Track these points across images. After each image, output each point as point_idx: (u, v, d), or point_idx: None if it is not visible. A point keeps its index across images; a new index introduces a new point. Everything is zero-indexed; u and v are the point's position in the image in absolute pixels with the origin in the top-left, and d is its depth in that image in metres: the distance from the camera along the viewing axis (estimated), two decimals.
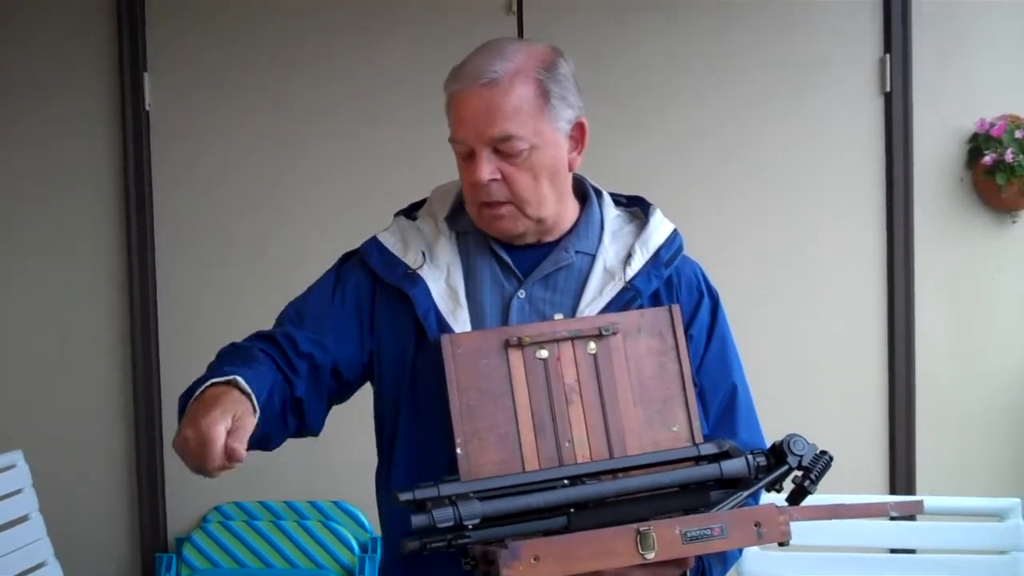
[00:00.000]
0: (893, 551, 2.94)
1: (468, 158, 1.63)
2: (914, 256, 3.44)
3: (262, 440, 1.63)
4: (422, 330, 1.66)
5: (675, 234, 1.75)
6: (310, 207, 3.55)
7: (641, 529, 1.41)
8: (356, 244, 1.87)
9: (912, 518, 2.87)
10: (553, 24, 3.39)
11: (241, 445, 1.43)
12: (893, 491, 3.44)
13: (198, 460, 1.43)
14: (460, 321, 1.66)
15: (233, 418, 1.45)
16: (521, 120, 1.61)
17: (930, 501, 2.69)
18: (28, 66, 3.56)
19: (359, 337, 1.73)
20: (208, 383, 1.53)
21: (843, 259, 3.49)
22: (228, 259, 3.57)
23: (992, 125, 3.35)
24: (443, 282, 1.70)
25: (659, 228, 1.75)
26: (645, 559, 1.41)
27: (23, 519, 3.03)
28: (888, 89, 3.42)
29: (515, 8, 3.45)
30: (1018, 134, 3.30)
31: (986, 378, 3.48)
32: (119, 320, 3.55)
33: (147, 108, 3.53)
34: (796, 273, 3.49)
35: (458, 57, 1.68)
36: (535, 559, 1.38)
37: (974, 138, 3.41)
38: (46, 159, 3.57)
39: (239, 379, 1.53)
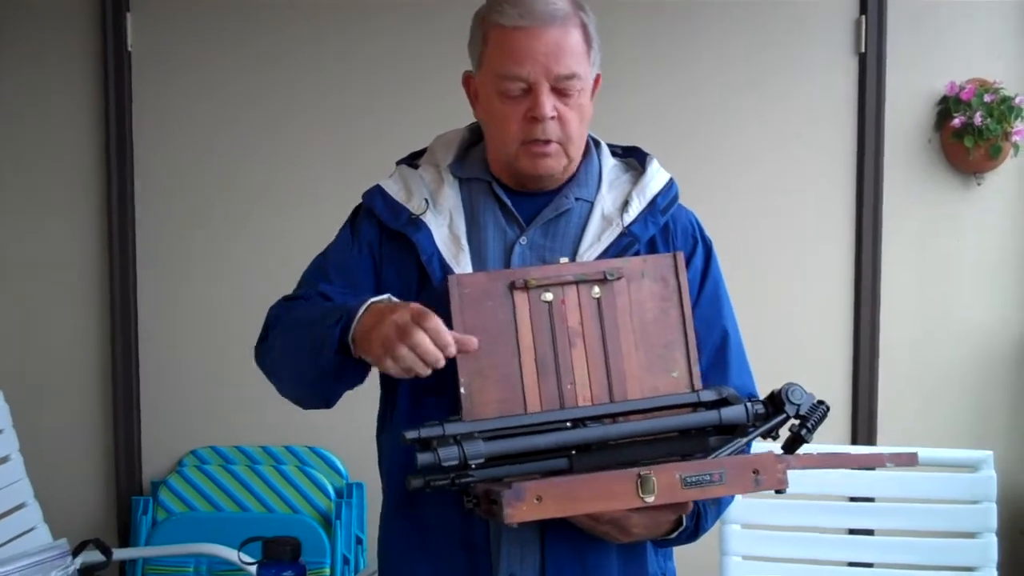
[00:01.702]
0: (854, 499, 3.03)
1: (520, 95, 1.65)
2: (882, 215, 3.50)
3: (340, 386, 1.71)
4: (425, 274, 1.70)
5: (671, 183, 1.80)
6: (298, 153, 3.54)
7: (642, 473, 1.45)
8: (347, 192, 1.90)
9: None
10: None
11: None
12: (855, 442, 3.53)
13: (408, 333, 1.48)
14: (463, 265, 1.69)
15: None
16: (580, 60, 1.66)
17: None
18: (6, 5, 3.51)
19: (375, 284, 1.76)
20: (373, 299, 1.59)
21: (812, 217, 3.55)
22: (212, 204, 3.56)
23: (962, 88, 3.41)
24: (446, 228, 1.73)
25: (656, 177, 1.80)
26: (645, 502, 1.45)
27: (3, 459, 3.04)
28: (863, 50, 3.47)
29: None
30: (987, 98, 3.37)
31: (950, 336, 3.56)
32: (98, 262, 3.55)
33: (129, 49, 3.50)
34: (767, 230, 3.54)
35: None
36: (537, 499, 1.42)
37: (944, 100, 3.47)
38: (25, 100, 3.53)
39: (391, 296, 1.61)
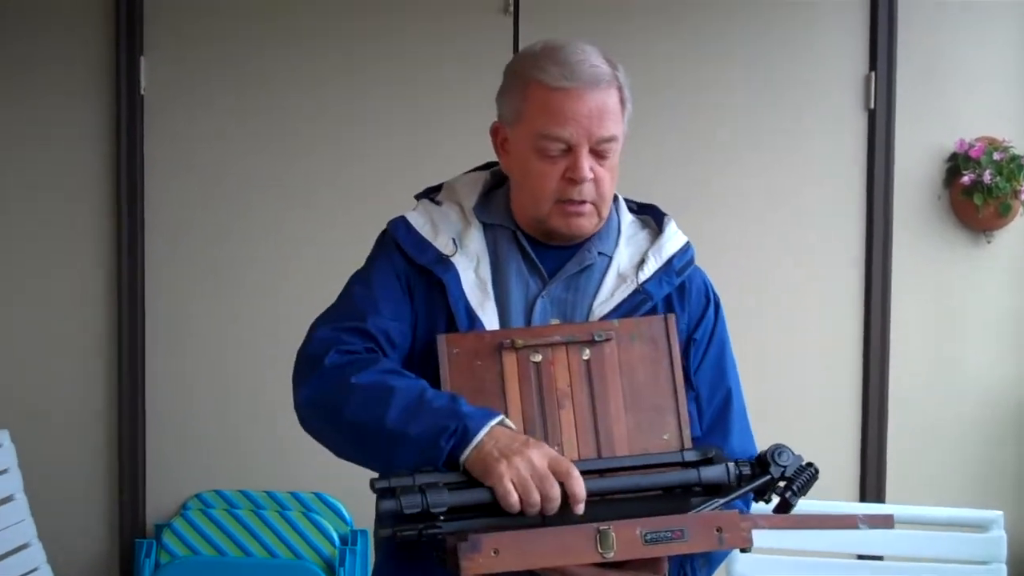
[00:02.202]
0: (861, 557, 3.01)
1: (559, 155, 1.66)
2: (891, 272, 3.50)
3: None
4: (451, 316, 1.68)
5: (688, 245, 1.80)
6: (308, 195, 3.56)
7: (601, 528, 1.44)
8: (356, 234, 1.88)
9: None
10: (548, 28, 3.43)
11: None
12: (863, 500, 3.51)
13: (547, 486, 1.46)
14: (488, 313, 1.68)
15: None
16: (617, 122, 1.68)
17: (917, 511, 2.78)
18: (22, 48, 3.54)
19: (412, 322, 1.72)
20: (494, 422, 1.53)
21: (822, 272, 3.55)
22: (221, 247, 3.58)
23: (971, 146, 3.42)
24: (473, 272, 1.72)
25: (673, 238, 1.80)
26: (604, 558, 1.44)
27: (8, 499, 3.05)
28: (872, 106, 3.48)
29: (511, 9, 3.49)
30: (996, 156, 3.38)
31: (959, 394, 3.55)
32: (106, 306, 3.56)
33: (142, 92, 3.53)
34: (776, 285, 3.54)
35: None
36: (495, 552, 1.41)
37: (953, 157, 3.48)
38: (38, 142, 3.56)
39: (505, 419, 1.56)
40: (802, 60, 3.53)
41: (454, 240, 1.74)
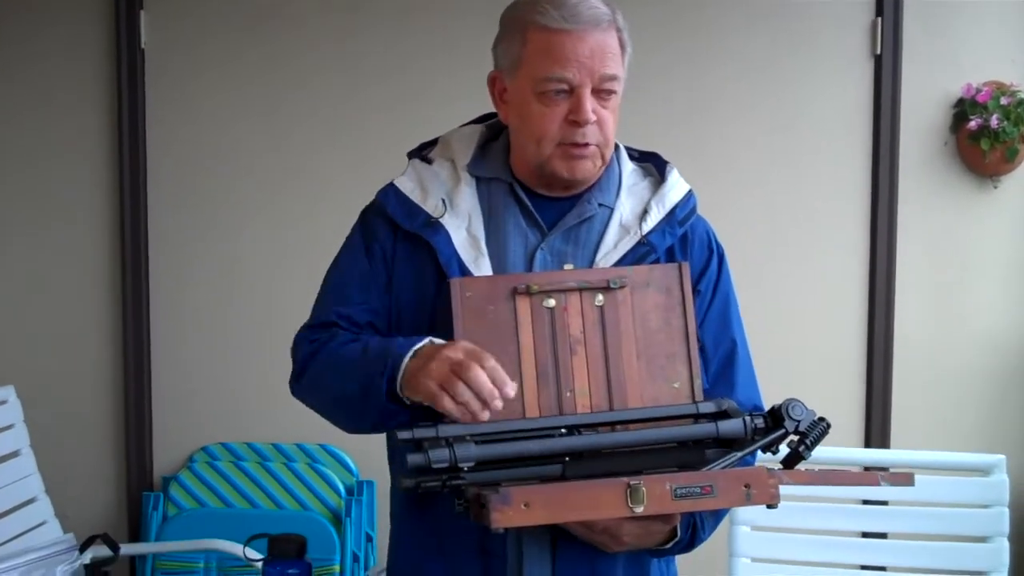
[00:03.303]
0: (866, 502, 3.02)
1: (561, 97, 1.65)
2: (897, 218, 3.48)
3: None
4: (443, 276, 1.67)
5: (690, 194, 1.79)
6: (311, 151, 3.55)
7: (631, 483, 1.44)
8: (361, 190, 1.88)
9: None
10: None
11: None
12: (868, 446, 3.52)
13: (466, 369, 1.48)
14: (482, 269, 1.68)
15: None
16: (618, 62, 1.68)
17: (920, 455, 2.80)
18: (17, 4, 3.52)
19: (389, 299, 1.75)
20: (418, 345, 1.58)
21: (828, 219, 3.53)
22: (224, 203, 3.56)
23: (978, 91, 3.38)
24: (464, 230, 1.71)
25: (676, 187, 1.79)
26: (634, 512, 1.44)
27: (14, 454, 3.06)
28: (878, 52, 3.45)
29: None
30: (1004, 100, 3.35)
31: (964, 340, 3.54)
32: (110, 259, 3.56)
33: (142, 47, 3.50)
34: (782, 233, 3.53)
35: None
36: (525, 505, 1.41)
37: (960, 103, 3.45)
38: (38, 99, 3.55)
39: (433, 338, 1.60)
40: (807, 6, 3.49)
41: (444, 200, 1.73)
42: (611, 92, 1.67)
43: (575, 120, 1.65)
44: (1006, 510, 2.62)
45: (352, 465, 3.54)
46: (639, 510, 1.44)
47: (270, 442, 3.55)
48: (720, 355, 1.75)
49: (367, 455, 3.42)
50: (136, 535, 3.55)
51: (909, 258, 3.51)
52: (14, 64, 3.54)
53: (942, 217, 3.51)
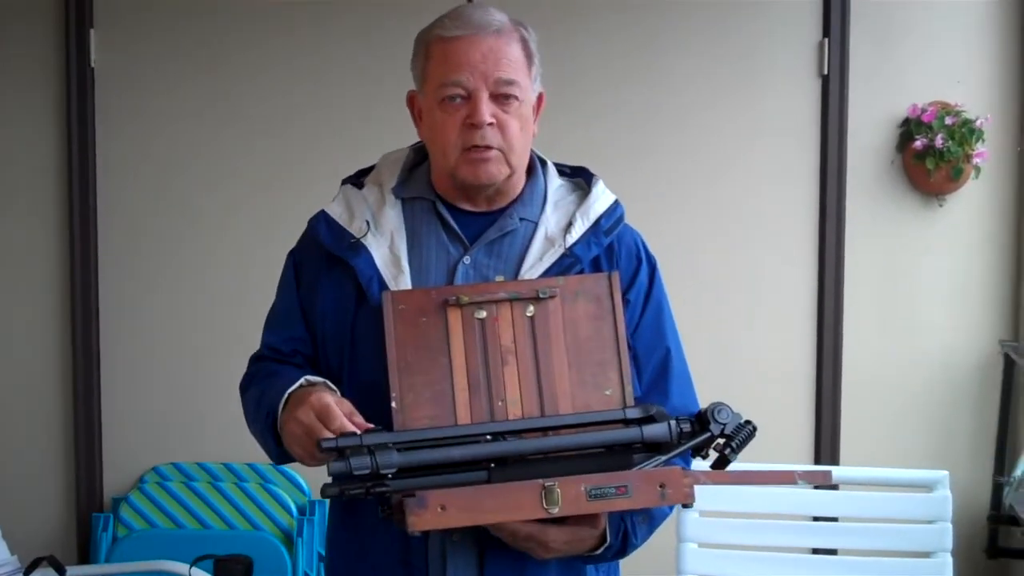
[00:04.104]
0: (816, 519, 3.04)
1: (460, 103, 1.67)
2: (845, 236, 3.52)
3: None
4: (362, 295, 1.70)
5: (616, 204, 1.80)
6: (257, 170, 3.55)
7: (546, 484, 1.46)
8: (310, 210, 1.88)
9: (834, 487, 2.98)
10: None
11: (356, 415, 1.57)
12: (818, 462, 3.54)
13: (316, 435, 1.54)
14: (402, 286, 1.70)
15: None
16: (518, 69, 1.69)
17: (866, 472, 2.83)
18: None
19: (311, 315, 1.80)
20: (288, 392, 1.65)
21: (776, 237, 3.56)
22: (177, 219, 3.56)
23: (923, 111, 3.43)
24: (386, 249, 1.73)
25: (600, 198, 1.80)
26: (550, 513, 1.46)
27: None
28: (825, 72, 3.49)
29: None
30: (948, 120, 3.39)
31: (912, 356, 3.57)
32: (59, 282, 3.54)
33: (92, 65, 3.50)
34: (730, 251, 3.56)
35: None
36: (441, 508, 1.43)
37: (906, 123, 3.49)
38: None
39: (308, 377, 1.68)
40: (756, 26, 3.54)
41: (368, 222, 1.76)
42: (510, 97, 1.68)
43: (472, 122, 1.67)
44: (949, 526, 2.65)
45: (304, 485, 3.53)
46: (555, 511, 1.46)
47: (222, 461, 3.54)
48: (654, 363, 1.76)
49: (319, 474, 3.38)
50: (85, 557, 3.52)
51: (857, 275, 3.55)
52: None
53: (889, 235, 3.55)
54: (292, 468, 3.51)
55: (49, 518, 3.58)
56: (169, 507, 3.47)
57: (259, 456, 3.40)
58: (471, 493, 1.46)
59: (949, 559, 2.64)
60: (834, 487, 3.02)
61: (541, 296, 1.65)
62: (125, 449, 3.57)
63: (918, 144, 3.40)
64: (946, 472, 2.69)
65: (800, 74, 3.52)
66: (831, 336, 3.54)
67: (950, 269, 3.56)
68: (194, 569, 2.44)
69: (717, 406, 1.60)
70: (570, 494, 1.46)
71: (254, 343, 1.87)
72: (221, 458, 3.54)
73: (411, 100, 1.79)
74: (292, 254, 1.86)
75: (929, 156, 3.40)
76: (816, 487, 3.05)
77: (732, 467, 1.63)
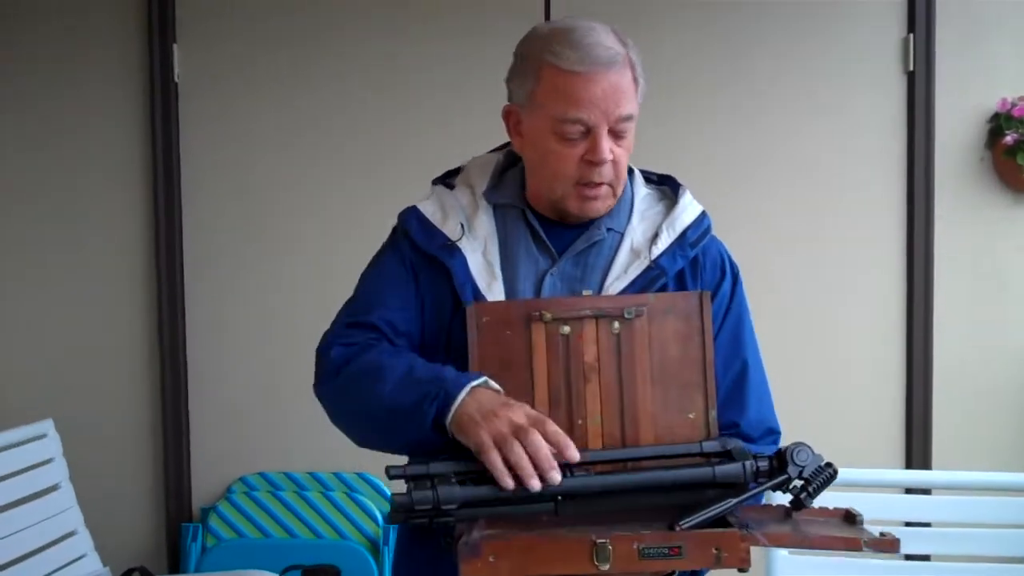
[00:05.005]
0: (909, 524, 2.98)
1: (577, 137, 1.65)
2: (934, 235, 3.45)
3: None
4: (458, 301, 1.69)
5: (703, 215, 1.79)
6: (343, 176, 3.57)
7: (598, 541, 1.42)
8: (390, 209, 1.88)
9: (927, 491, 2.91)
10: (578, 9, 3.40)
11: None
12: (909, 466, 3.48)
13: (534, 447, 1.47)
14: (495, 293, 1.69)
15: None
16: (632, 100, 1.67)
17: (962, 476, 2.76)
18: (55, 37, 3.56)
19: (420, 309, 1.75)
20: (475, 383, 1.56)
21: (864, 238, 3.50)
22: (260, 229, 3.59)
23: (1013, 105, 3.35)
24: (480, 255, 1.73)
25: (688, 209, 1.78)
26: (600, 569, 1.42)
27: (53, 488, 3.07)
28: (911, 68, 3.43)
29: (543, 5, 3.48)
30: None
31: (1002, 357, 3.50)
32: (147, 293, 3.58)
33: (176, 80, 3.54)
34: (817, 252, 3.51)
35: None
36: (492, 558, 1.41)
37: (995, 118, 3.42)
38: (74, 130, 3.58)
39: (488, 380, 1.59)
40: (840, 24, 3.48)
41: (462, 225, 1.75)
42: (626, 131, 1.67)
43: (592, 160, 1.66)
44: None
45: (388, 493, 3.53)
46: (605, 568, 1.42)
47: (307, 471, 3.56)
48: (730, 376, 1.74)
49: (403, 483, 3.41)
50: (175, 566, 3.56)
51: (946, 274, 3.48)
52: (52, 97, 3.58)
53: (978, 233, 3.48)
54: (377, 476, 3.52)
55: (139, 529, 3.63)
56: (256, 517, 3.49)
57: (344, 465, 3.48)
58: (523, 543, 1.43)
59: None
60: (926, 492, 2.96)
61: (626, 316, 1.62)
62: (213, 460, 3.60)
63: (1008, 139, 3.33)
64: None
65: (886, 71, 3.46)
66: (921, 335, 3.48)
67: None
68: None
69: (797, 447, 1.56)
70: (622, 552, 1.42)
71: None
72: (307, 467, 3.56)
73: (508, 114, 1.76)
74: (394, 239, 1.82)
75: (1020, 151, 3.32)
76: (907, 491, 3.00)
77: (792, 530, 1.57)
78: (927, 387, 3.49)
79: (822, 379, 3.46)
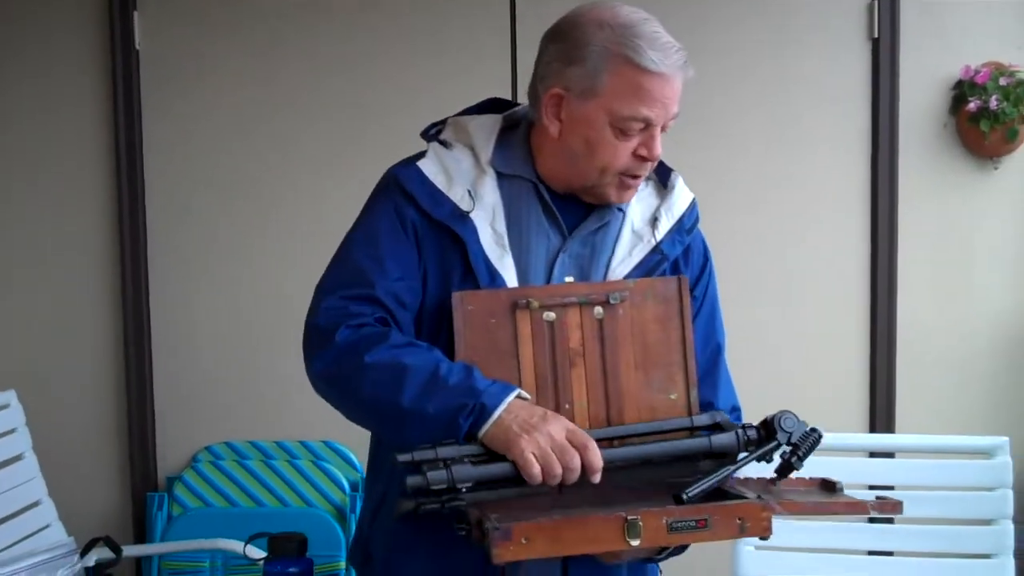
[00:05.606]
0: (872, 487, 3.00)
1: (635, 132, 1.65)
2: (898, 201, 3.47)
3: None
4: (468, 271, 1.66)
5: (694, 203, 1.81)
6: (309, 151, 3.53)
7: (629, 518, 1.46)
8: (360, 195, 1.80)
9: (890, 455, 2.94)
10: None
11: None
12: (873, 430, 3.51)
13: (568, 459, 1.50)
14: (507, 268, 1.67)
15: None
16: None
17: (924, 439, 2.79)
18: (12, 6, 3.50)
19: (422, 276, 1.70)
20: (511, 397, 1.55)
21: (826, 204, 3.52)
22: (223, 201, 3.55)
23: (977, 72, 3.37)
24: (489, 227, 1.69)
25: (682, 195, 1.81)
26: (631, 545, 1.46)
27: (17, 458, 3.05)
28: (876, 35, 3.43)
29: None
30: (1002, 81, 3.32)
31: (967, 321, 3.53)
32: (110, 260, 3.55)
33: (137, 48, 3.49)
34: (778, 218, 3.52)
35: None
36: (525, 539, 1.44)
37: (959, 85, 3.43)
38: (33, 101, 3.53)
39: (520, 391, 1.58)
40: None
41: (470, 192, 1.70)
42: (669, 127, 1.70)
43: (646, 156, 1.67)
44: (1010, 492, 2.61)
45: (355, 461, 3.53)
46: (635, 543, 1.46)
47: (273, 440, 3.55)
48: (707, 357, 1.78)
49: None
50: (142, 536, 3.55)
51: (910, 241, 3.50)
52: (9, 67, 3.52)
53: (943, 199, 3.50)
54: (344, 444, 3.52)
55: (104, 499, 3.60)
56: (222, 485, 3.49)
57: (311, 433, 3.48)
58: (554, 526, 1.46)
59: (1011, 526, 2.61)
60: (890, 455, 2.99)
61: (611, 301, 1.65)
62: (178, 429, 3.58)
63: (972, 106, 3.34)
64: (1007, 438, 2.65)
65: (850, 37, 3.46)
66: (885, 302, 3.50)
67: (1006, 232, 3.51)
68: (249, 546, 2.44)
69: (783, 414, 1.62)
70: (651, 527, 1.47)
71: (303, 321, 1.72)
72: (273, 436, 3.55)
73: (557, 99, 1.68)
74: (388, 195, 1.72)
75: (983, 118, 3.33)
76: (871, 455, 3.03)
77: (802, 498, 1.65)
78: (891, 353, 3.51)
79: (787, 345, 3.48)
